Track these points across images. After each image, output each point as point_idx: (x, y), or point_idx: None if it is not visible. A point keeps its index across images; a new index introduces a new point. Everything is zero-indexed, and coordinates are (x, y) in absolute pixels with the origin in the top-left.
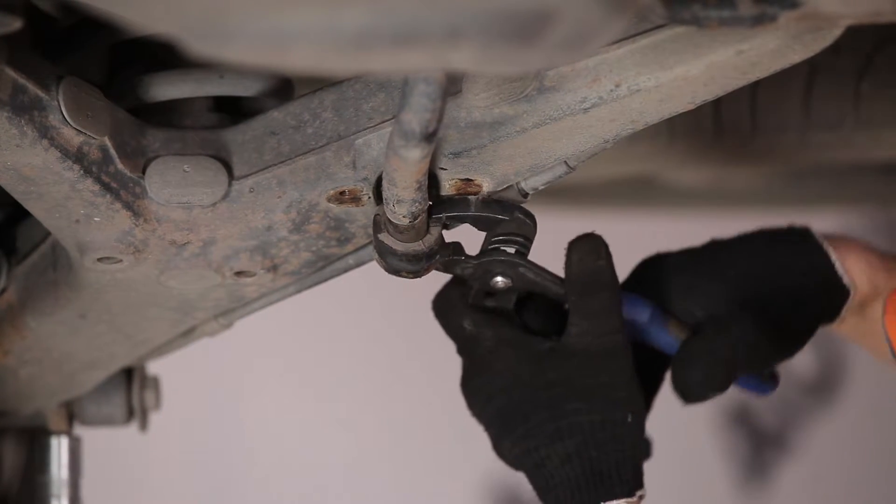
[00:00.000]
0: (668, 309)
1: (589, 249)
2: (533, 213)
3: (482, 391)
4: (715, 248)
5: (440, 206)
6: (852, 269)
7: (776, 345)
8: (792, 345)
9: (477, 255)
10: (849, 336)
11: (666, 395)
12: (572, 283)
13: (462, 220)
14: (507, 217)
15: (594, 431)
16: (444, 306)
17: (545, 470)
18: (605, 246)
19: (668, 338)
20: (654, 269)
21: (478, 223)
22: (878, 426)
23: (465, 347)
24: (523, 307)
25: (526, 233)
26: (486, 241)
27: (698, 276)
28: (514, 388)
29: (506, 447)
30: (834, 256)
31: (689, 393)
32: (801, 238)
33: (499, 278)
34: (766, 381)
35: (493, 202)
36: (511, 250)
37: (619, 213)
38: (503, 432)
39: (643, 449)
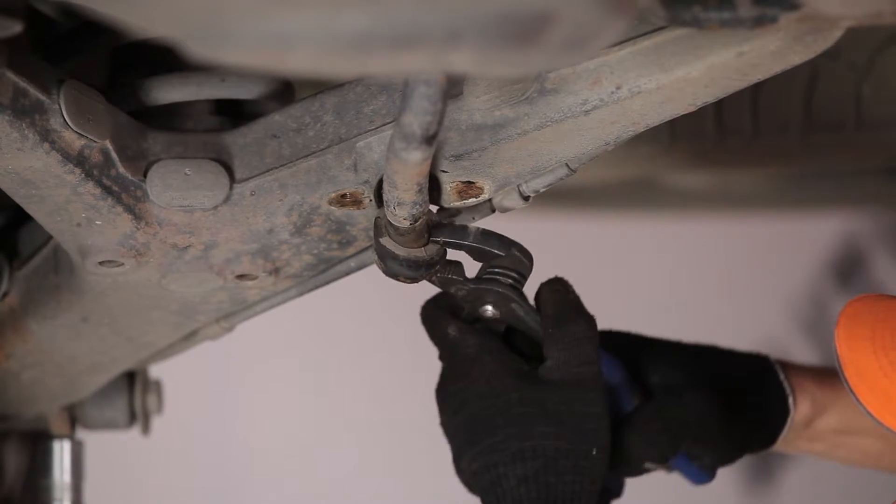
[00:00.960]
0: (637, 377)
1: (559, 287)
2: (530, 252)
3: (456, 397)
4: (681, 342)
5: (440, 229)
6: (799, 389)
7: (724, 426)
8: (734, 437)
9: (474, 280)
10: (801, 450)
11: None
12: (548, 316)
13: (458, 247)
14: (504, 252)
15: (557, 458)
16: (431, 313)
17: (500, 489)
18: (572, 287)
19: (632, 405)
20: (622, 335)
21: (473, 253)
22: None
23: (447, 352)
24: (506, 340)
25: (522, 270)
26: (483, 269)
27: (661, 351)
28: (489, 397)
29: (466, 461)
30: (783, 375)
31: (631, 454)
32: (757, 356)
33: (489, 307)
34: (705, 469)
35: (492, 235)
36: (509, 282)
37: (621, 216)
38: (467, 444)
39: (615, 488)
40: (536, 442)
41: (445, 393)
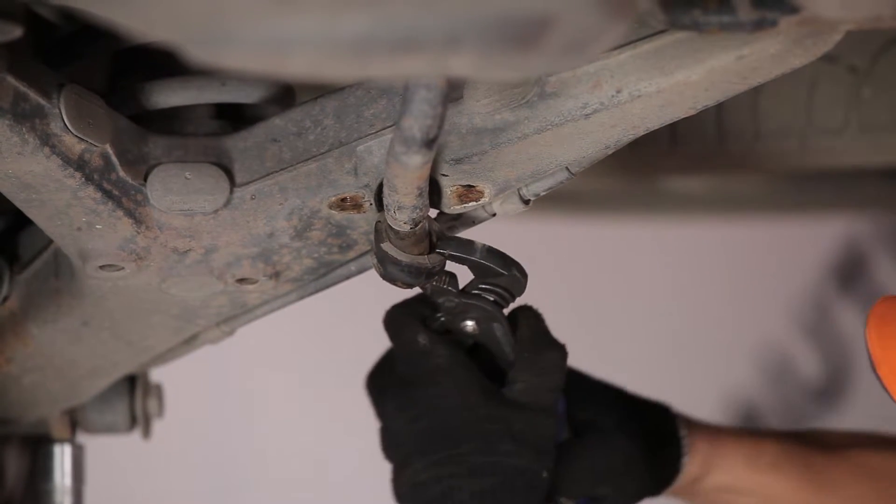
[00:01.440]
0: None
1: (534, 315)
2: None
3: (419, 404)
4: (607, 382)
5: (447, 242)
6: (693, 450)
7: (638, 475)
8: (639, 486)
9: (464, 294)
10: (679, 499)
11: (670, 398)
12: (525, 339)
13: (463, 261)
14: (506, 272)
15: (515, 476)
16: (399, 318)
17: (450, 501)
18: (543, 318)
19: (563, 437)
20: None
21: (476, 269)
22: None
23: (414, 360)
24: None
25: (515, 291)
26: (473, 284)
27: (592, 389)
28: (459, 409)
29: (413, 469)
30: (684, 432)
31: (558, 485)
32: (662, 406)
33: (471, 323)
34: None
35: (497, 254)
36: (492, 299)
37: (622, 219)
38: (420, 452)
39: None
40: (497, 459)
41: (405, 399)
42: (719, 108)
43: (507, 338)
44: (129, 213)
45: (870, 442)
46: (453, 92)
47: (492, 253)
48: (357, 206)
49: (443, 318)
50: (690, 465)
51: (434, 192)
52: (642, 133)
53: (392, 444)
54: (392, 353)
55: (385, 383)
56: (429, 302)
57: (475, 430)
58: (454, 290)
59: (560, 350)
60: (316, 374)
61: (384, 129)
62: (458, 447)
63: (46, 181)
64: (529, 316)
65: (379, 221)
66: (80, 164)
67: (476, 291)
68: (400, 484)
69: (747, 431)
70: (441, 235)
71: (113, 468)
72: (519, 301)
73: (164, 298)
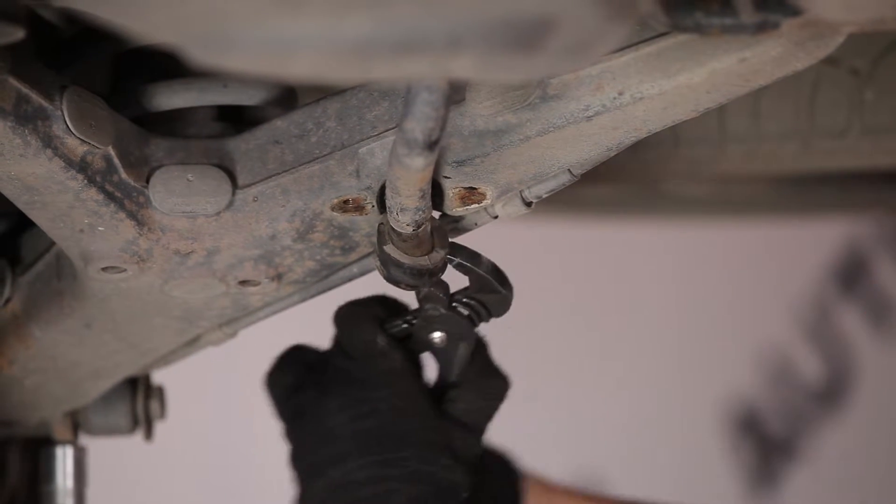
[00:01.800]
0: None
1: (482, 342)
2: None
3: (367, 403)
4: None
5: (457, 250)
6: (531, 500)
7: None
8: None
9: (450, 306)
10: None
11: (672, 401)
12: (477, 363)
13: (468, 271)
14: (501, 291)
15: (447, 491)
16: (357, 317)
17: (386, 503)
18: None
19: None
20: None
21: (476, 282)
22: (887, 433)
23: (370, 359)
24: None
25: (497, 312)
26: (458, 296)
27: None
28: (409, 414)
29: (346, 469)
30: (522, 482)
31: None
32: (507, 463)
33: (440, 335)
34: None
35: (499, 272)
36: (466, 313)
37: (624, 222)
38: (360, 450)
39: None
40: (435, 469)
41: (350, 397)
42: (721, 110)
43: (463, 359)
44: (132, 215)
45: None
46: (455, 94)
47: (495, 270)
48: (359, 209)
49: (404, 325)
50: None
51: (436, 195)
52: (644, 135)
53: (321, 442)
54: (305, 353)
55: (310, 382)
56: (385, 304)
57: (419, 438)
58: (444, 300)
59: (505, 380)
60: None
61: (386, 131)
62: (399, 451)
63: (49, 183)
64: (482, 343)
65: (381, 223)
66: (82, 166)
67: (456, 305)
68: (326, 478)
69: (582, 491)
70: (453, 244)
71: (115, 470)
72: (519, 305)
73: (166, 300)
